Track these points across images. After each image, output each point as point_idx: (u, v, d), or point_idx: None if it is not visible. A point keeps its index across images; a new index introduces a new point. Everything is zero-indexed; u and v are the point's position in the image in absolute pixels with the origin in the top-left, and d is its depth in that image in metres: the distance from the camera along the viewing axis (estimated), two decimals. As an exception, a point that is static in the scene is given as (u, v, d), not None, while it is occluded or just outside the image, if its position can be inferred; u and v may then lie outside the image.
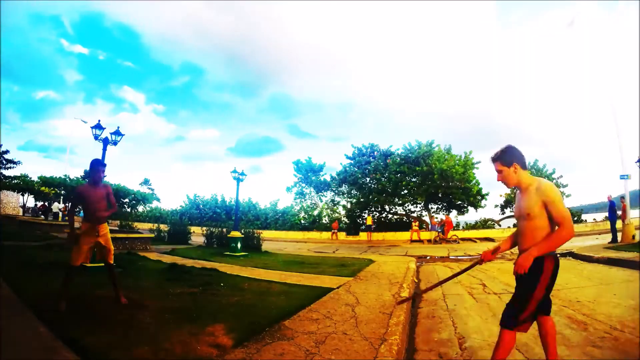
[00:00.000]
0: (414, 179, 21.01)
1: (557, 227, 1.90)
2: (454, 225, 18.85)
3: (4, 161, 25.59)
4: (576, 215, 21.52)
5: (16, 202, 28.18)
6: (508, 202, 22.81)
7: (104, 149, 7.08)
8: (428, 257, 10.31)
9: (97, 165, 3.64)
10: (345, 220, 24.32)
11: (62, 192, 29.06)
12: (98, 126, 7.00)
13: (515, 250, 2.14)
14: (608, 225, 18.99)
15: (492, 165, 2.25)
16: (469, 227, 22.74)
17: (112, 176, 39.83)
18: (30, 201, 29.65)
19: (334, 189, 25.78)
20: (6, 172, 26.01)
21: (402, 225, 22.35)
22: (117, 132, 7.26)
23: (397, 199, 21.95)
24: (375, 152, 23.98)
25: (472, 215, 22.66)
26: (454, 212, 22.27)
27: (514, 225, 21.85)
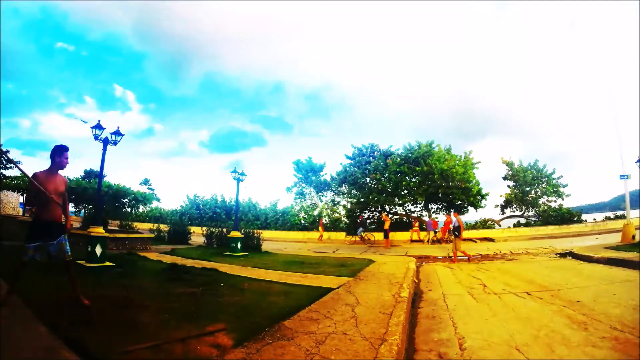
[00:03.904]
0: (414, 179, 21.00)
1: None
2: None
3: (4, 161, 25.57)
4: (576, 215, 21.51)
5: (16, 202, 28.17)
6: (508, 203, 22.81)
7: (104, 149, 7.08)
8: (428, 257, 10.31)
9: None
10: (345, 220, 24.31)
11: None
12: (98, 126, 7.00)
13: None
14: (608, 225, 19.12)
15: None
16: (469, 227, 22.73)
17: (111, 176, 39.70)
18: (30, 201, 29.60)
19: (334, 189, 25.78)
20: (6, 172, 26.01)
21: (402, 225, 22.33)
22: (117, 132, 7.25)
23: (397, 199, 21.94)
24: (375, 152, 23.97)
25: (472, 215, 22.67)
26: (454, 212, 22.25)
27: (514, 226, 21.92)
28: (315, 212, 26.02)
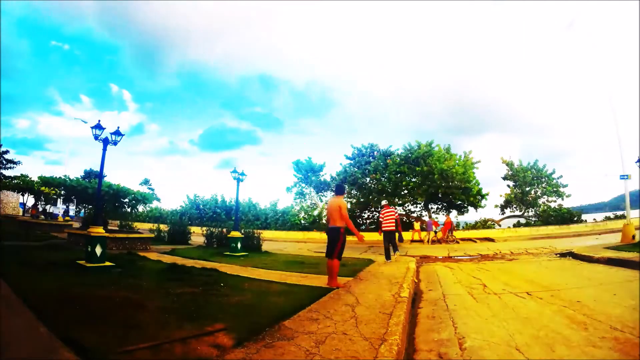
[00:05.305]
0: (414, 179, 21.02)
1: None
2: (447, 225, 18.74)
3: (4, 161, 25.59)
4: (576, 215, 21.51)
5: (16, 202, 28.18)
6: (508, 203, 22.81)
7: (104, 149, 7.08)
8: (428, 257, 10.31)
9: None
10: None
11: (62, 192, 29.10)
12: (98, 126, 7.00)
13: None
14: (608, 225, 19.14)
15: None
16: (469, 227, 22.73)
17: (109, 175, 39.52)
18: (30, 201, 29.65)
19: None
20: (6, 172, 26.02)
21: (402, 225, 22.33)
22: (117, 132, 7.26)
23: (397, 199, 21.96)
24: (375, 152, 24.00)
25: (472, 215, 22.69)
26: (454, 212, 22.28)
27: (514, 226, 21.91)
28: (315, 212, 26.03)
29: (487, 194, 21.08)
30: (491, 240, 17.33)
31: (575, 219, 20.94)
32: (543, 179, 21.99)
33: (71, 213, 28.86)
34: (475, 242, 16.71)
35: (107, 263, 6.39)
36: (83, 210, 32.10)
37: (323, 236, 21.86)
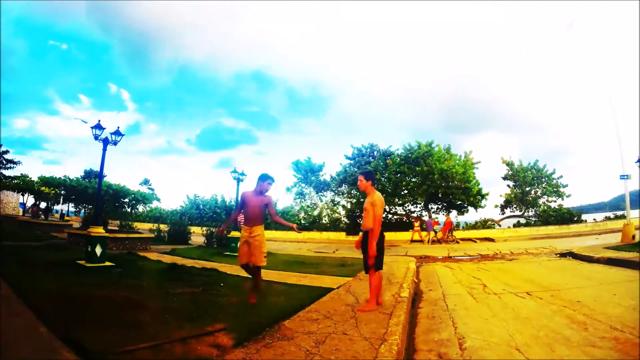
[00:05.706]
0: (414, 179, 21.01)
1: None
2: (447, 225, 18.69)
3: (4, 161, 25.61)
4: (576, 215, 21.50)
5: (16, 202, 28.18)
6: (508, 202, 22.79)
7: (104, 149, 7.08)
8: (428, 257, 10.31)
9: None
10: (346, 220, 24.32)
11: (62, 192, 29.09)
12: (98, 126, 7.00)
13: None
14: (608, 225, 19.14)
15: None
16: (469, 227, 22.72)
17: (110, 176, 39.67)
18: (30, 201, 29.65)
19: (333, 189, 25.80)
20: (6, 172, 26.04)
21: (402, 225, 22.33)
22: (117, 132, 7.26)
23: (397, 199, 21.95)
24: (375, 152, 24.01)
25: (472, 215, 22.69)
26: (454, 212, 22.27)
27: (514, 226, 21.89)
28: (315, 212, 26.05)
29: (487, 194, 21.07)
30: (491, 240, 17.32)
31: (575, 219, 20.94)
32: (543, 179, 21.98)
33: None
34: (475, 242, 16.71)
35: (107, 263, 6.39)
36: (83, 210, 32.10)
37: (323, 236, 21.90)
